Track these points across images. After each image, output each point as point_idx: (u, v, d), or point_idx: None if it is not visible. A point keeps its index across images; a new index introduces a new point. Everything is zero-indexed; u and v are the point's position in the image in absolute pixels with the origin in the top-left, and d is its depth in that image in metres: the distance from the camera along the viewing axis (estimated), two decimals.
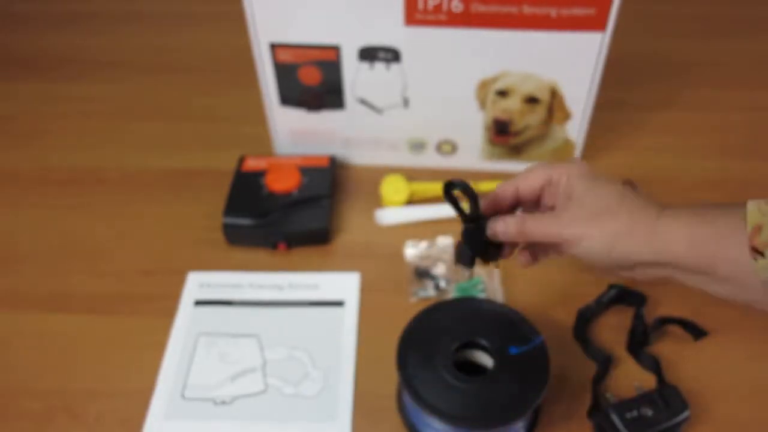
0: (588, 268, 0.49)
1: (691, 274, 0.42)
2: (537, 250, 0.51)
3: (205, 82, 0.93)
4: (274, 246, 0.70)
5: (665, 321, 0.61)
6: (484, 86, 0.71)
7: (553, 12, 0.64)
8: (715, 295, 0.42)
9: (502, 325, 0.55)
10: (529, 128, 0.74)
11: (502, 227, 0.47)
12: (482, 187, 0.75)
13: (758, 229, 0.38)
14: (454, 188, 0.47)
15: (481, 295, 0.65)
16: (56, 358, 0.61)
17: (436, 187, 0.76)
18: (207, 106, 0.89)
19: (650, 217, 0.43)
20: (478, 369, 0.55)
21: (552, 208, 0.48)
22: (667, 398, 0.53)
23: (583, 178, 0.46)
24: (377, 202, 0.75)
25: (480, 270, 0.67)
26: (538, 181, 0.48)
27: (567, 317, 0.63)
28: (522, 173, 0.49)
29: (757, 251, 0.38)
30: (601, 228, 0.43)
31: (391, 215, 0.73)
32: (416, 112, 0.74)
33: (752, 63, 0.95)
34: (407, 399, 0.53)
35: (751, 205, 0.39)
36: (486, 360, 0.54)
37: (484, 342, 0.53)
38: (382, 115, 0.75)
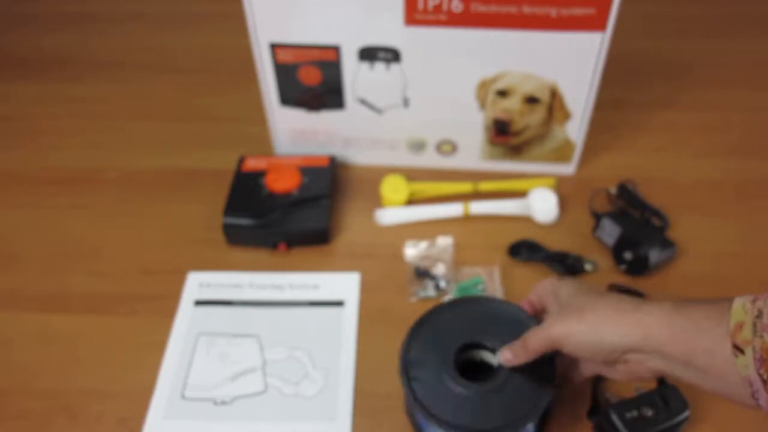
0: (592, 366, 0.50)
1: (678, 365, 0.42)
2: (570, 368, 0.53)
3: (205, 82, 0.93)
4: (274, 246, 0.70)
5: None
6: (484, 86, 0.71)
7: (553, 12, 0.64)
8: (709, 391, 0.42)
9: (508, 323, 0.54)
10: (529, 128, 0.74)
11: (507, 353, 0.51)
12: (482, 187, 0.76)
13: (740, 326, 0.39)
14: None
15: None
16: (56, 358, 0.61)
17: (436, 187, 0.76)
18: (207, 106, 0.89)
19: (632, 304, 0.45)
20: (484, 367, 0.55)
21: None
22: (667, 398, 0.53)
23: (569, 287, 0.50)
24: (377, 202, 0.75)
25: (479, 269, 0.67)
26: (542, 294, 0.53)
27: None
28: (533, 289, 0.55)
29: (737, 348, 0.38)
30: (581, 320, 0.46)
31: (391, 215, 0.73)
32: (416, 112, 0.74)
33: (752, 63, 0.95)
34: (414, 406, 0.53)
35: (737, 303, 0.40)
36: (492, 358, 0.54)
37: (488, 344, 0.53)
38: (382, 115, 0.75)
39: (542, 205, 0.72)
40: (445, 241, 0.70)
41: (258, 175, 0.73)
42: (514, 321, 0.54)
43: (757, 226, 0.72)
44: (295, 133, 0.78)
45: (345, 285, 0.67)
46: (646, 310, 0.44)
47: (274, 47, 0.70)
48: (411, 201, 0.75)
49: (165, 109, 0.89)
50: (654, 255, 0.65)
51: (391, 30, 0.67)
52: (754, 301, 0.39)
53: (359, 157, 0.80)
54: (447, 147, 0.78)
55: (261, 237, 0.69)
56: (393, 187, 0.74)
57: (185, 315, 0.65)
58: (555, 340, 0.47)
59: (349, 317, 0.64)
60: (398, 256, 0.69)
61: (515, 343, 0.50)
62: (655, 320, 0.43)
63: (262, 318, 0.64)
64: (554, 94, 0.71)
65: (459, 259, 0.69)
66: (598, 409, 0.55)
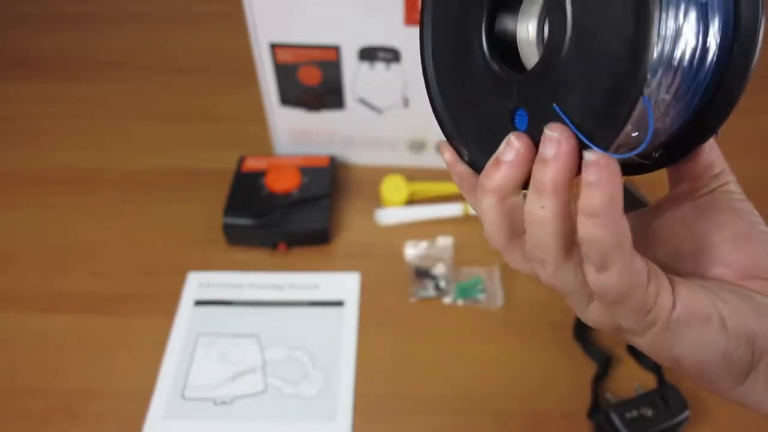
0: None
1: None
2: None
3: (205, 82, 0.93)
4: (274, 246, 0.70)
5: None
6: None
7: None
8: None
9: None
10: None
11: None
12: None
13: None
14: None
15: (481, 296, 0.65)
16: (56, 358, 0.61)
17: (436, 187, 0.76)
18: (207, 106, 0.89)
19: None
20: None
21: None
22: (667, 398, 0.53)
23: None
24: (377, 202, 0.75)
25: (479, 269, 0.67)
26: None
27: (567, 317, 0.63)
28: None
29: None
30: None
31: (391, 215, 0.73)
32: (416, 112, 0.74)
33: None
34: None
35: None
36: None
37: None
38: (382, 115, 0.75)
39: None
40: (445, 241, 0.70)
41: (258, 175, 0.73)
42: None
43: None
44: (295, 133, 0.78)
45: (345, 285, 0.67)
46: None
47: (274, 47, 0.70)
48: (411, 201, 0.75)
49: (165, 109, 0.89)
50: None
51: (391, 30, 0.67)
52: None
53: (359, 157, 0.80)
54: None
55: (261, 237, 0.69)
56: (393, 187, 0.74)
57: (185, 315, 0.65)
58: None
59: (349, 317, 0.64)
60: (398, 256, 0.69)
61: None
62: None
63: (262, 318, 0.64)
64: None
65: (459, 259, 0.69)
66: (598, 409, 0.55)
